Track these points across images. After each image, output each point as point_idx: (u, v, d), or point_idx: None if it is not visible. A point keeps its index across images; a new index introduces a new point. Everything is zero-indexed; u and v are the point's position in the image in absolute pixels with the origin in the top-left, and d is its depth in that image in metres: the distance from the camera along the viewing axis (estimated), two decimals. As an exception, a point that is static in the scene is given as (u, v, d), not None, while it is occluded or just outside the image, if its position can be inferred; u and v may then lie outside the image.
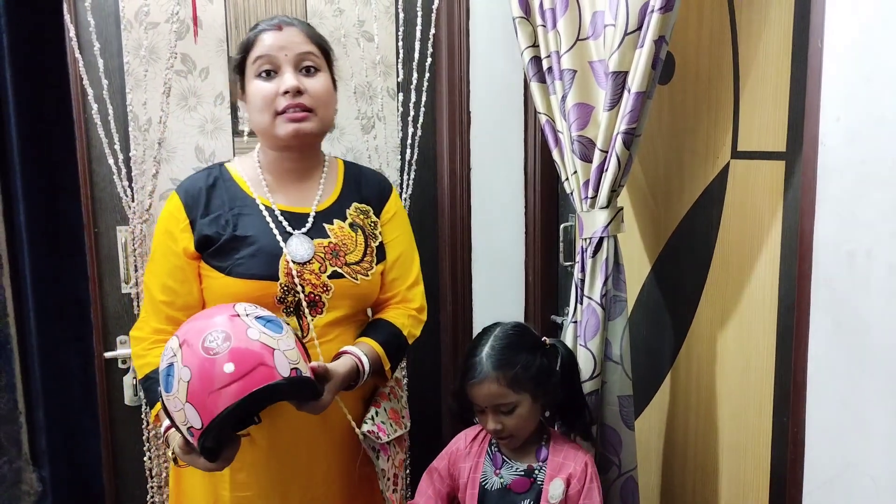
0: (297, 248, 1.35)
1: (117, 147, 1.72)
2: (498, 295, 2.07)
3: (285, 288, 1.33)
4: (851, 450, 1.13)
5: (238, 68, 1.40)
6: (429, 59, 1.95)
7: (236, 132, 1.87)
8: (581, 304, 1.51)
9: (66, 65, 0.46)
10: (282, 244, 1.34)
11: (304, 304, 1.34)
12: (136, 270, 1.76)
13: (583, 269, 1.51)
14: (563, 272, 2.02)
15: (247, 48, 1.37)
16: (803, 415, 1.21)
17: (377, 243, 1.46)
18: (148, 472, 1.83)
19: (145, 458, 1.82)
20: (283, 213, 1.38)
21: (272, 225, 1.36)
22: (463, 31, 1.96)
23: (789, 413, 1.26)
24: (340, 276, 1.38)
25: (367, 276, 1.42)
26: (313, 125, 1.35)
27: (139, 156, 1.74)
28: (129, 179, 1.74)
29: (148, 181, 1.75)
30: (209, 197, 1.37)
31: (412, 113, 1.96)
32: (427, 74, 1.95)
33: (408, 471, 2.03)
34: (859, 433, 1.12)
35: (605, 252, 1.47)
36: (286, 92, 1.32)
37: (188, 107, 1.82)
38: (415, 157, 1.97)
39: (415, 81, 1.95)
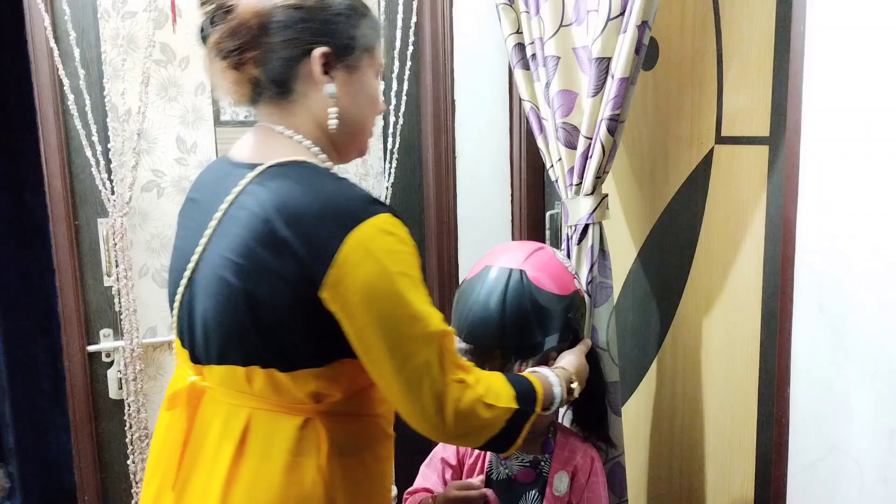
0: None
1: (95, 138, 1.69)
2: (484, 283, 2.07)
3: None
4: (835, 433, 1.14)
5: (352, 50, 0.99)
6: (411, 47, 1.93)
7: (218, 122, 1.84)
8: (567, 291, 1.51)
9: (26, 58, 0.45)
10: None
11: None
12: (117, 264, 1.74)
13: (569, 257, 1.50)
14: (549, 260, 2.02)
15: (373, 42, 1.02)
16: (788, 399, 1.21)
17: None
18: (132, 477, 1.81)
19: (129, 462, 1.80)
20: None
21: None
22: (446, 18, 1.94)
23: (774, 397, 1.27)
24: None
25: None
26: None
27: (118, 147, 1.72)
28: (109, 171, 1.72)
29: (128, 173, 1.73)
30: None
31: (395, 101, 1.94)
32: (409, 63, 1.93)
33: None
34: (843, 416, 1.12)
35: (591, 239, 1.46)
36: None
37: (168, 97, 1.79)
38: (397, 145, 1.96)
39: (397, 69, 1.93)
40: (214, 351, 0.93)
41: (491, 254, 1.34)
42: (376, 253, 0.86)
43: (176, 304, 0.99)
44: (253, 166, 0.94)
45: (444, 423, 0.92)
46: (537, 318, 1.24)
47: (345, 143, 1.02)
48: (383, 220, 0.88)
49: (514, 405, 0.98)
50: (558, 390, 1.09)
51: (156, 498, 0.97)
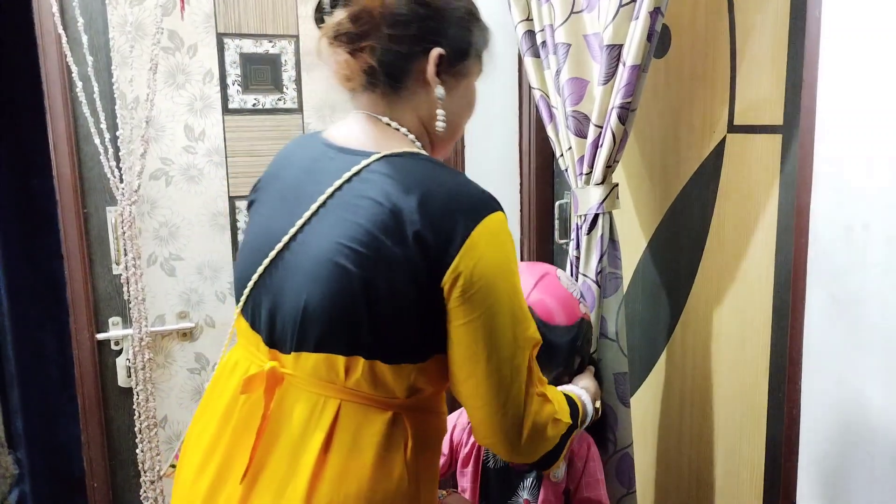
0: None
1: (104, 126, 1.69)
2: (493, 273, 2.06)
3: None
4: (847, 424, 1.13)
5: (466, 56, 0.99)
6: (421, 35, 1.91)
7: (226, 110, 1.84)
8: (576, 281, 1.50)
9: (34, 41, 0.44)
10: None
11: None
12: (125, 252, 1.74)
13: (578, 247, 1.49)
14: (558, 250, 2.01)
15: (483, 48, 1.03)
16: (799, 390, 1.20)
17: None
18: (140, 466, 1.82)
19: (138, 451, 1.81)
20: None
21: None
22: (455, 6, 1.93)
23: (785, 388, 1.26)
24: None
25: None
26: None
27: (126, 135, 1.71)
28: (117, 159, 1.72)
29: (136, 161, 1.73)
30: None
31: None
32: (419, 50, 1.92)
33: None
34: (855, 408, 1.11)
35: (601, 229, 1.45)
36: None
37: (176, 84, 1.79)
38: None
39: (407, 57, 1.91)
40: (312, 338, 0.89)
41: None
42: (497, 247, 0.88)
43: (251, 283, 0.95)
44: (367, 154, 0.92)
45: (519, 436, 0.92)
46: (547, 356, 1.15)
47: (441, 143, 1.02)
48: (501, 218, 0.90)
49: (570, 420, 1.00)
50: (590, 408, 1.15)
51: (214, 488, 0.92)
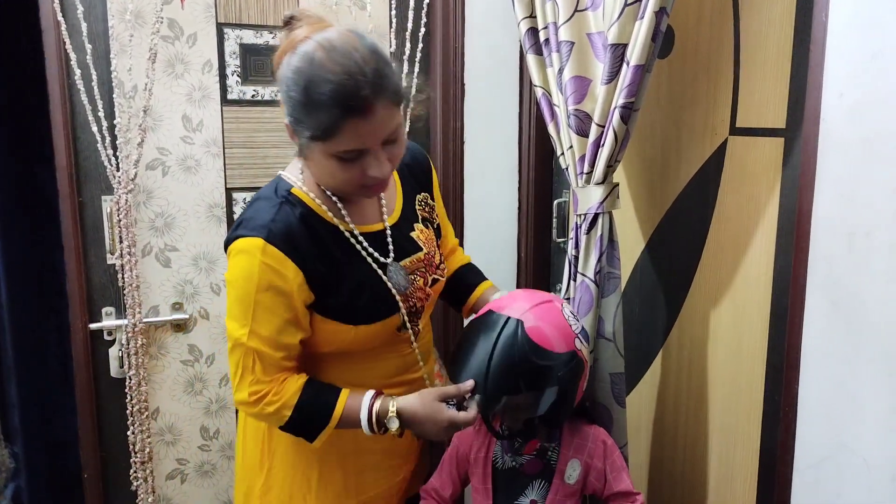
0: (397, 278, 1.29)
1: (101, 114, 1.67)
2: (490, 271, 2.04)
3: (404, 314, 1.31)
4: (844, 430, 1.13)
5: (297, 133, 1.15)
6: (422, 29, 1.90)
7: (225, 101, 1.82)
8: (574, 280, 1.50)
9: (39, 32, 0.43)
10: (384, 279, 1.28)
11: (407, 320, 1.32)
12: (121, 241, 1.73)
13: (577, 246, 1.49)
14: (555, 248, 2.01)
15: (326, 134, 1.10)
16: (796, 395, 1.20)
17: (436, 225, 1.44)
18: (132, 448, 1.81)
19: (129, 433, 1.80)
20: (363, 234, 1.28)
21: (369, 260, 1.27)
22: (458, 0, 1.92)
23: (781, 393, 1.26)
24: (438, 280, 1.39)
25: (444, 264, 1.43)
26: (389, 180, 1.22)
27: (124, 124, 1.70)
28: (114, 148, 1.70)
29: (133, 150, 1.71)
30: (309, 236, 1.21)
31: (404, 84, 1.92)
32: (420, 45, 1.91)
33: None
34: (852, 414, 1.11)
35: (600, 229, 1.45)
36: (374, 177, 1.16)
37: (175, 74, 1.77)
38: (406, 129, 1.94)
39: (408, 52, 1.90)
40: None
41: (499, 300, 1.30)
42: (230, 264, 1.20)
43: None
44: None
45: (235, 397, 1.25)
46: (532, 378, 1.19)
47: (327, 188, 1.24)
48: (248, 243, 1.17)
49: (288, 414, 1.21)
50: (363, 417, 1.22)
51: None
